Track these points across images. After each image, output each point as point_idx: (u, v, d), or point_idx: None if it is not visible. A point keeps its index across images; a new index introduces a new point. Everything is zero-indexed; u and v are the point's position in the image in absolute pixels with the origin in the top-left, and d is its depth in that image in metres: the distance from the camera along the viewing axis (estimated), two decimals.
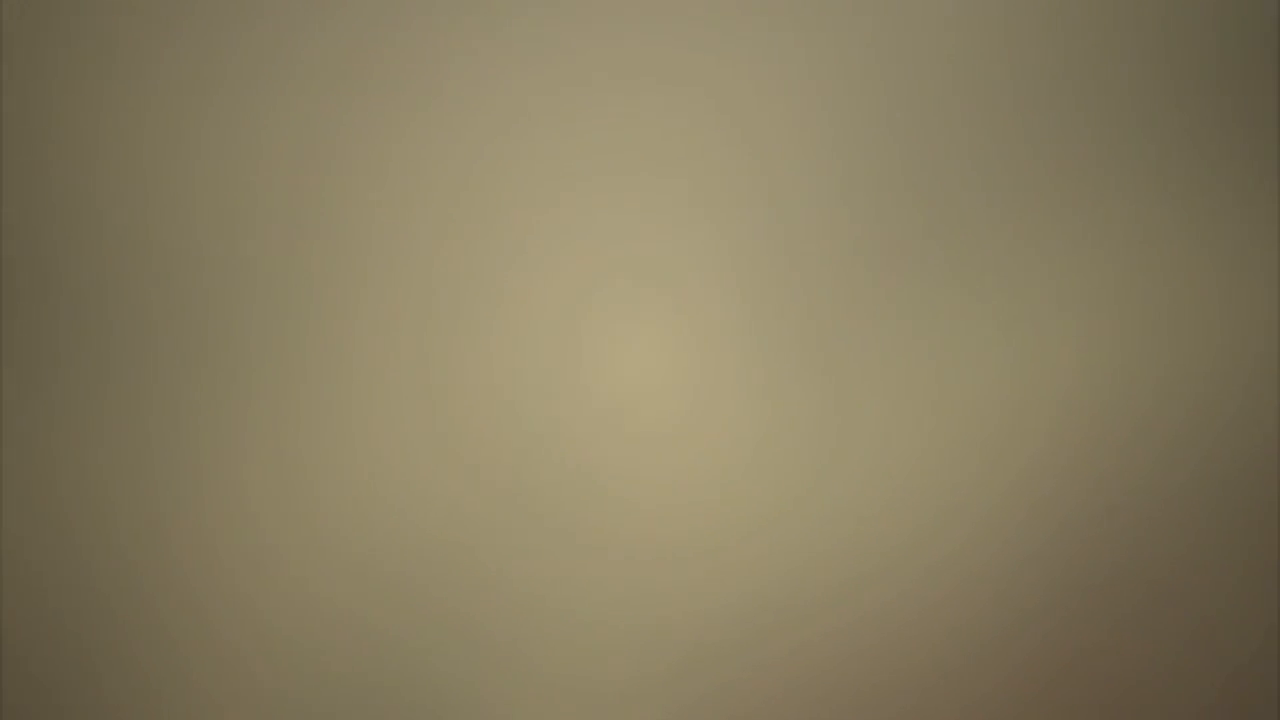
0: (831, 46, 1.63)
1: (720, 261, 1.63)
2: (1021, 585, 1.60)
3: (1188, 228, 1.61)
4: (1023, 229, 1.62)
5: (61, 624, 1.64)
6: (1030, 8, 1.63)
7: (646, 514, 1.63)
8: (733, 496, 1.62)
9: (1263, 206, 1.61)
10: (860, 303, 1.62)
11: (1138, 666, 1.59)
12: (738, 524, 1.62)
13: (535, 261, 1.64)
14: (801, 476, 1.62)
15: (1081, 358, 1.61)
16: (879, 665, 1.61)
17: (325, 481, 1.64)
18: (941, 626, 1.60)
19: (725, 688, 1.62)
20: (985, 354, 1.61)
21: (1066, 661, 1.60)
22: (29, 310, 1.66)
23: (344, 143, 1.65)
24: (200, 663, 1.64)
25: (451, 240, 1.64)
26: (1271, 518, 1.59)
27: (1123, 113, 1.62)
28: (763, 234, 1.63)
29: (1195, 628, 1.59)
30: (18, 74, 1.65)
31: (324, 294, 1.65)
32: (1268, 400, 1.60)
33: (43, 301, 1.66)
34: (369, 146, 1.65)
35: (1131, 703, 1.59)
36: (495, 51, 1.64)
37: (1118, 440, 1.60)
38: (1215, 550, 1.60)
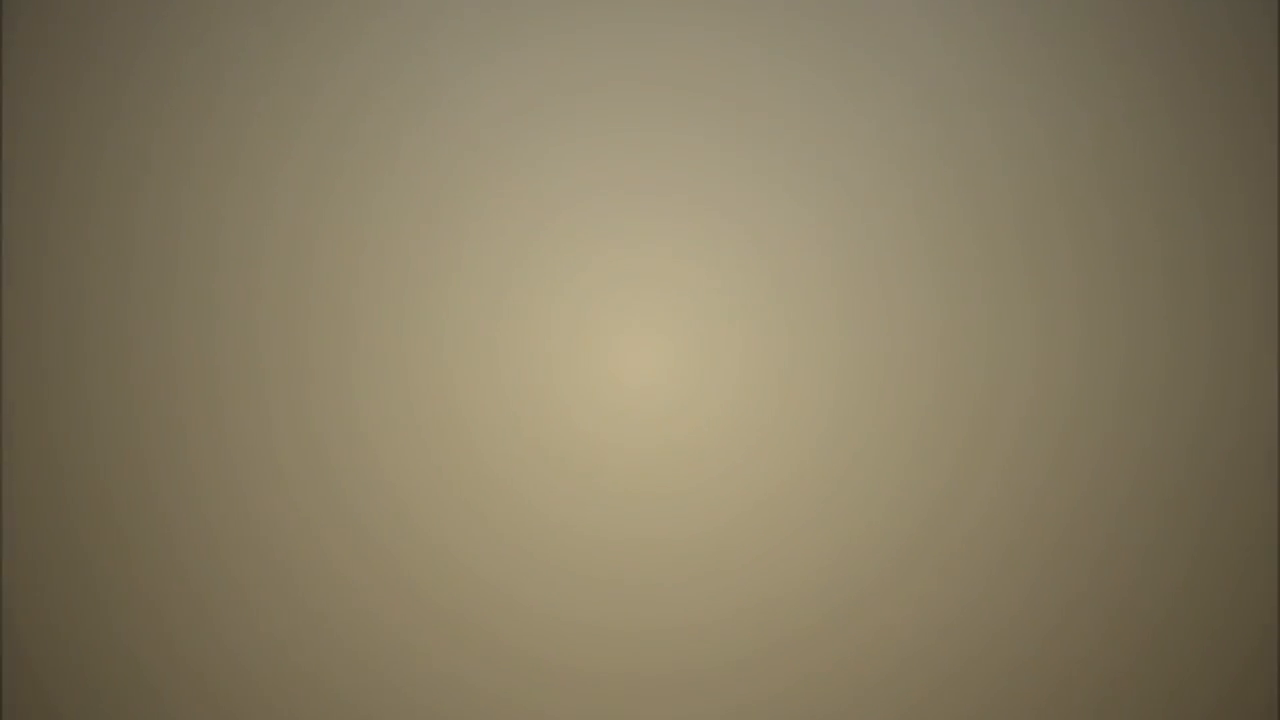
0: (832, 56, 1.64)
1: (721, 269, 1.63)
2: (1017, 578, 1.60)
3: (1186, 228, 1.62)
4: (1014, 232, 1.62)
5: (64, 621, 1.64)
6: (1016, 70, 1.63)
7: (647, 511, 1.62)
8: (730, 493, 1.62)
9: (1261, 209, 1.61)
10: (854, 308, 1.62)
11: (1136, 668, 1.59)
12: (736, 521, 1.62)
13: (543, 267, 1.64)
14: (801, 476, 1.61)
15: (1079, 356, 1.61)
16: (881, 660, 1.60)
17: (330, 481, 1.64)
18: (940, 622, 1.59)
19: (725, 685, 1.61)
20: (982, 356, 1.61)
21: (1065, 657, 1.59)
22: (34, 312, 1.66)
23: (354, 149, 1.65)
24: (201, 661, 1.64)
25: (458, 244, 1.64)
26: (1270, 518, 1.59)
27: (1120, 122, 1.62)
28: (761, 244, 1.63)
29: (1195, 629, 1.59)
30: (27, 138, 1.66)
31: (336, 296, 1.65)
32: (1266, 401, 1.60)
33: (47, 304, 1.66)
34: (378, 153, 1.65)
35: (1127, 703, 1.59)
36: (508, 64, 1.65)
37: (1120, 441, 1.60)
38: (1214, 550, 1.59)
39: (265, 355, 1.64)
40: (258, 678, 1.63)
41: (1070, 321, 1.61)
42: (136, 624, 1.63)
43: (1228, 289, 1.60)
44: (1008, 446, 1.60)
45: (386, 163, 1.65)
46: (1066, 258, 1.61)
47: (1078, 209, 1.62)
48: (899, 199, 1.62)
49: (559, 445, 1.63)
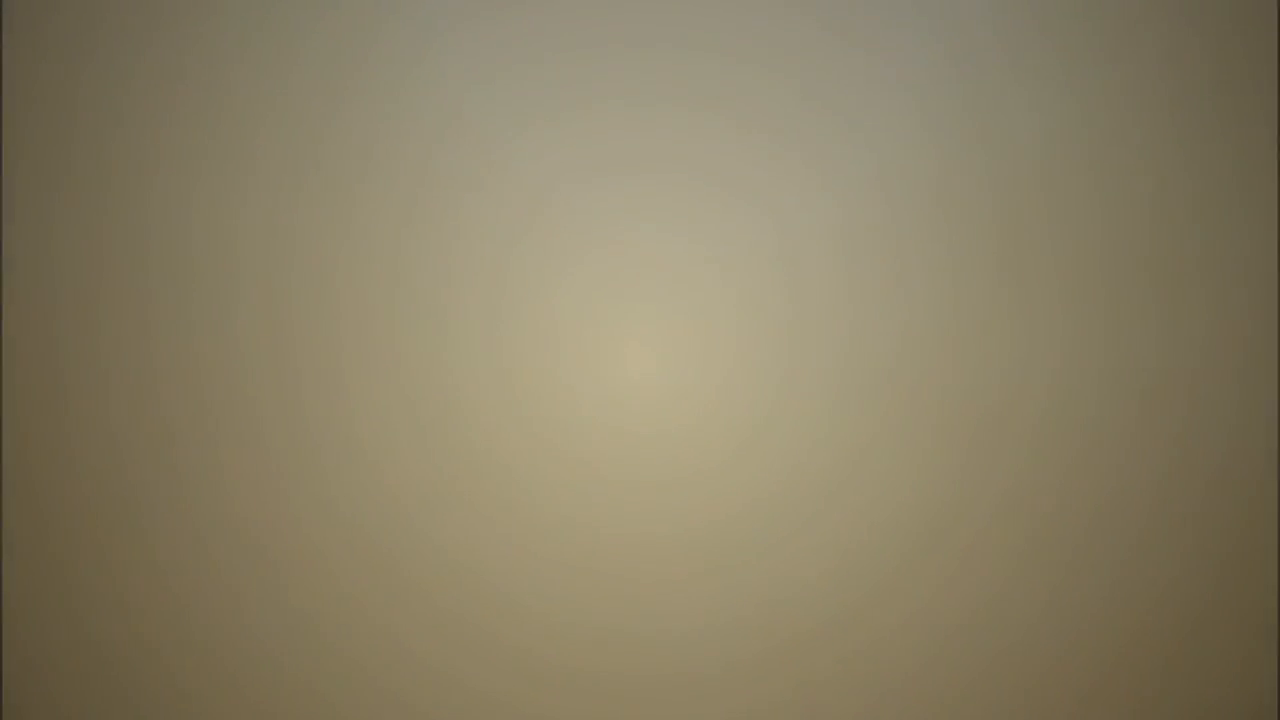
0: (830, 55, 1.64)
1: (722, 264, 1.63)
2: (1032, 581, 1.61)
3: (1186, 223, 1.63)
4: (1021, 226, 1.63)
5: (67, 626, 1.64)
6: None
7: (649, 508, 1.63)
8: (734, 489, 1.62)
9: (1261, 206, 1.62)
10: (854, 304, 1.62)
11: (1140, 667, 1.60)
12: (738, 518, 1.62)
13: (546, 261, 1.64)
14: (800, 471, 1.62)
15: (1073, 354, 1.62)
16: (889, 663, 1.61)
17: (329, 479, 1.63)
18: (940, 619, 1.61)
19: (727, 687, 1.62)
20: (982, 352, 1.62)
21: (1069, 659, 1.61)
22: (31, 311, 1.65)
23: (354, 143, 1.64)
24: (190, 667, 1.63)
25: (451, 231, 1.64)
26: (1270, 515, 1.60)
27: (1122, 113, 1.63)
28: (763, 238, 1.63)
29: (1196, 628, 1.60)
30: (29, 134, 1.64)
31: (325, 287, 1.64)
32: (1265, 398, 1.61)
33: (45, 303, 1.65)
34: (381, 148, 1.64)
35: (1149, 714, 1.60)
36: (512, 60, 1.64)
37: (1115, 437, 1.61)
38: (1215, 547, 1.61)
39: (252, 349, 1.64)
40: (247, 683, 1.63)
41: (1094, 320, 1.62)
42: (121, 629, 1.63)
43: (1267, 289, 1.61)
44: (1024, 443, 1.61)
45: (372, 146, 1.64)
46: (1093, 256, 1.62)
47: (1107, 209, 1.62)
48: (917, 182, 1.62)
49: (560, 439, 1.63)
